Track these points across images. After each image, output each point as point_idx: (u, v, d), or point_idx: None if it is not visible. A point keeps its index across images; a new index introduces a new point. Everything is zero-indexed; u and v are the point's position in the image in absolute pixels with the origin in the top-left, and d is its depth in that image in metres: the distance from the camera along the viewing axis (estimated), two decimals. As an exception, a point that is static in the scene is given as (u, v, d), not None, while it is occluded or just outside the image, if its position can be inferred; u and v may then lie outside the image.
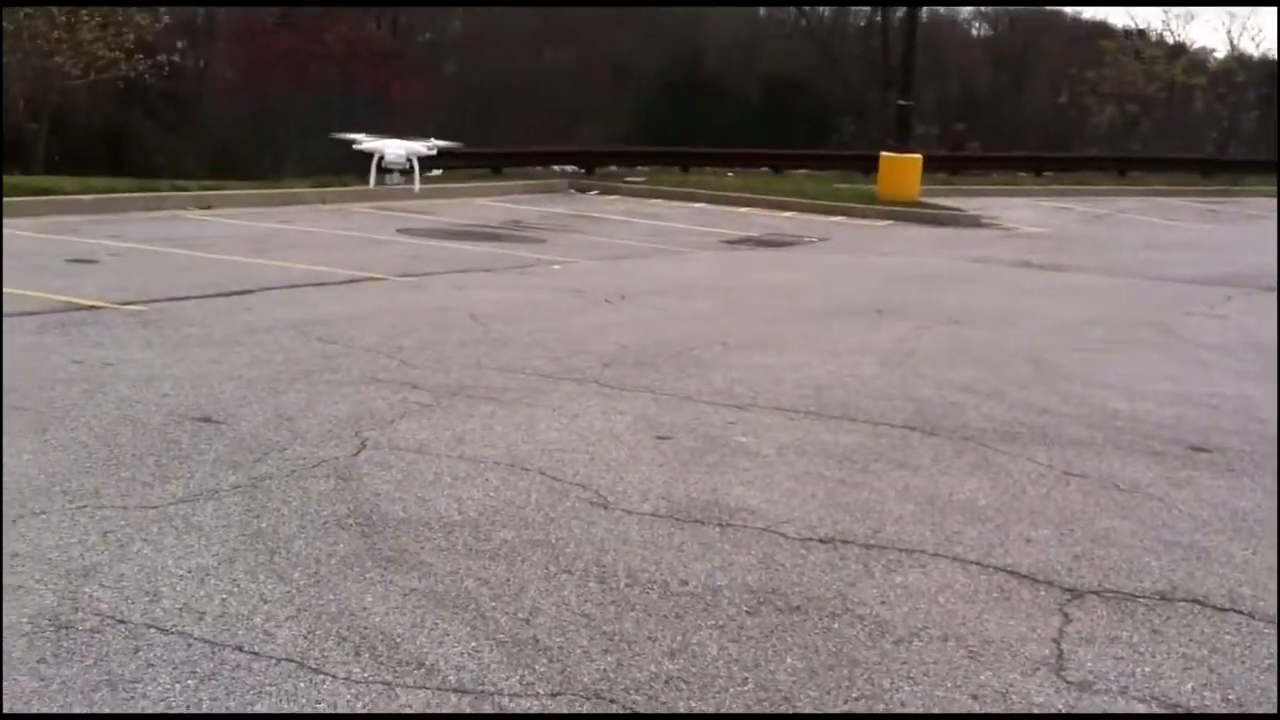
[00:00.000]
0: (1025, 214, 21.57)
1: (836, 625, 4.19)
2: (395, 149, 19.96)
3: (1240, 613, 4.43)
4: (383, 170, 19.88)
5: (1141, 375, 8.47)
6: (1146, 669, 3.95)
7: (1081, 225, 20.69)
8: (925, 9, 30.21)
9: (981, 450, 6.36)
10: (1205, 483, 5.94)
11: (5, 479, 5.14)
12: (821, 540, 4.97)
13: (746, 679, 3.79)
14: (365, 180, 19.69)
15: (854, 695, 3.70)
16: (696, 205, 20.74)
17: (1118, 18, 78.41)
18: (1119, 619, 4.32)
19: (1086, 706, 3.69)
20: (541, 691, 3.62)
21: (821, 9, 49.06)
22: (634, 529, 5.01)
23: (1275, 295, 13.08)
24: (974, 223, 20.08)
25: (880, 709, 3.63)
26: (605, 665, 3.82)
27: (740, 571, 4.62)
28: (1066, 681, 3.83)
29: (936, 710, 3.63)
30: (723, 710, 3.59)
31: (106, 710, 3.40)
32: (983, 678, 3.84)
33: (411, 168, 19.81)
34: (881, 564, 4.74)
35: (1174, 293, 12.86)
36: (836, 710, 3.62)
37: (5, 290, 9.26)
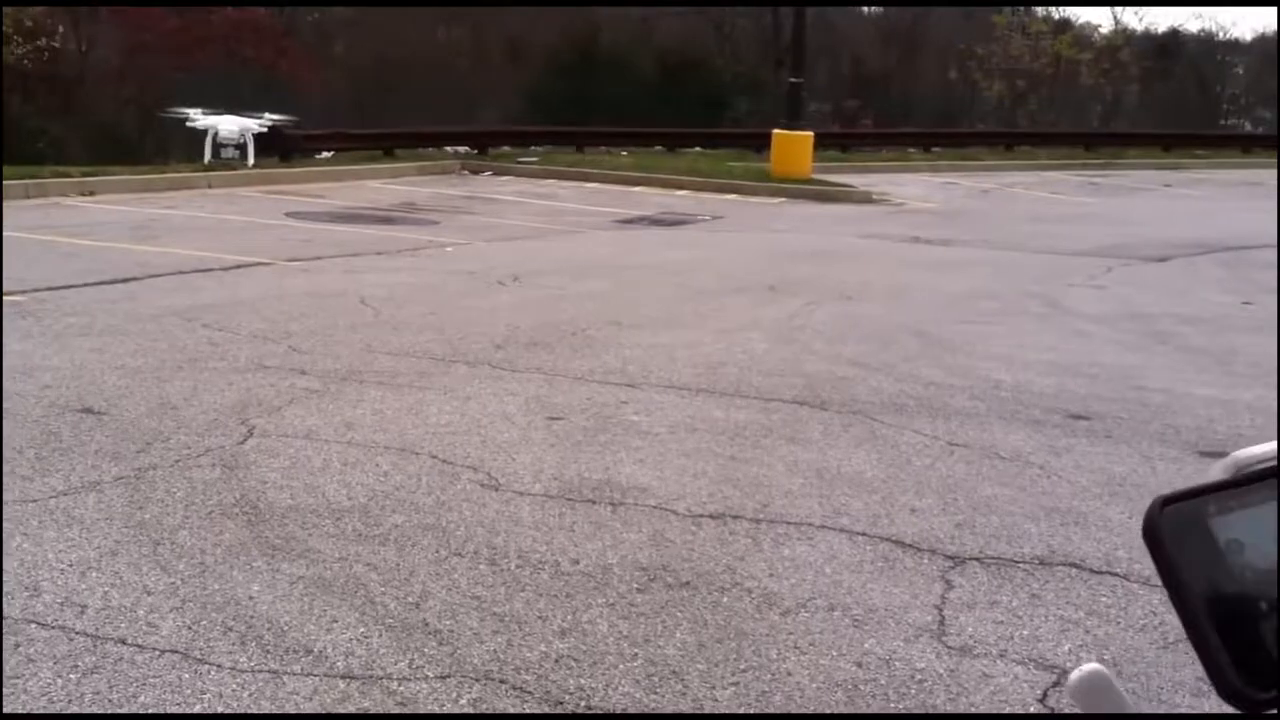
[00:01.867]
0: (915, 189, 21.88)
1: (725, 599, 4.24)
2: (229, 125, 20.01)
3: (1116, 575, 4.57)
4: (218, 146, 19.85)
5: (1024, 346, 8.66)
6: (1025, 632, 4.06)
7: (969, 200, 21.05)
8: (815, -13, 30.45)
9: (869, 423, 6.46)
10: (1084, 450, 6.10)
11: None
12: (712, 516, 5.02)
13: (636, 655, 3.83)
14: (200, 158, 19.74)
15: (741, 667, 3.76)
16: (590, 185, 20.72)
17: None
18: (999, 584, 4.43)
19: (966, 670, 3.79)
20: (430, 674, 3.63)
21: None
22: (525, 510, 5.02)
23: (1158, 265, 13.44)
24: (865, 199, 20.33)
25: (767, 679, 3.69)
26: (495, 646, 3.83)
27: (631, 549, 4.65)
28: (947, 647, 3.92)
29: (821, 679, 3.70)
30: (612, 686, 3.62)
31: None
32: (867, 645, 3.93)
33: (245, 143, 19.81)
34: (770, 537, 4.81)
35: (1057, 265, 13.15)
36: (725, 682, 3.67)
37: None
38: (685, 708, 3.52)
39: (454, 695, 3.52)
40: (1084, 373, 7.82)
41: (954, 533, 4.92)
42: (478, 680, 3.61)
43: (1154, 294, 11.38)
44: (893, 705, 3.59)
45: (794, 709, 3.54)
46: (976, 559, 4.66)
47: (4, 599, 3.97)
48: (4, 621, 3.81)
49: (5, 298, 8.95)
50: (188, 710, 3.39)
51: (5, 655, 3.60)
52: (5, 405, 6.11)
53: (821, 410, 6.70)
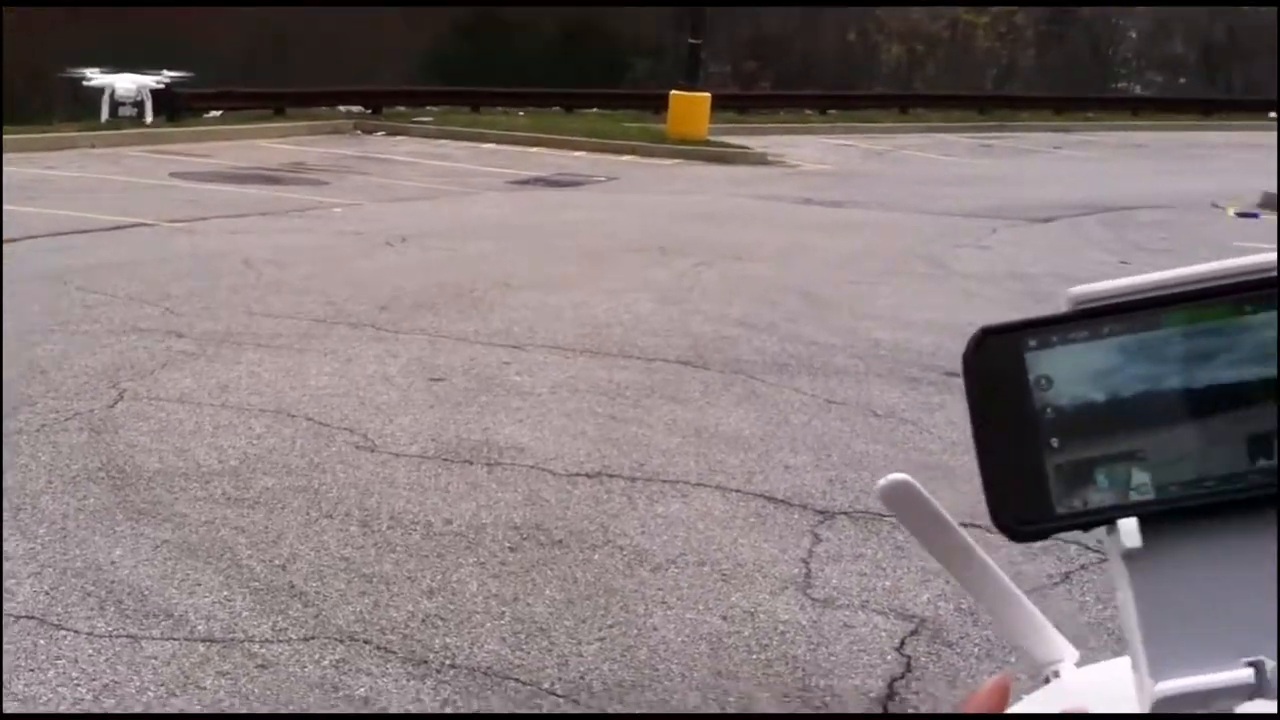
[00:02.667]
0: (810, 151, 22.02)
1: (597, 556, 4.27)
2: (125, 83, 19.61)
3: (978, 527, 4.64)
4: (115, 104, 19.44)
5: (907, 306, 8.78)
6: (887, 583, 4.14)
7: (863, 162, 21.24)
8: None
9: (750, 382, 6.52)
10: (956, 406, 6.21)
11: None
12: (588, 475, 5.04)
13: (504, 613, 3.84)
14: (97, 117, 19.32)
15: (609, 623, 3.79)
16: (486, 146, 20.54)
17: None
18: (865, 538, 4.51)
19: (828, 621, 3.86)
20: (294, 636, 3.61)
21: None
22: (400, 471, 5.00)
23: (1044, 225, 13.69)
24: (760, 160, 20.41)
25: (634, 634, 3.73)
26: (361, 607, 3.82)
27: (505, 509, 4.66)
28: (811, 599, 3.99)
29: (687, 632, 3.74)
30: (478, 644, 3.63)
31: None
32: (733, 599, 3.98)
33: (143, 101, 19.44)
34: (645, 495, 4.84)
35: (945, 226, 13.33)
36: (591, 638, 3.70)
37: None
38: (549, 664, 3.54)
39: (316, 657, 3.51)
40: (963, 331, 7.76)
41: (825, 488, 4.99)
42: (341, 641, 3.60)
43: (1037, 254, 11.59)
44: (755, 656, 3.64)
45: (659, 663, 3.58)
46: (845, 514, 4.73)
47: None
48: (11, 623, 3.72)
49: None
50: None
51: None
52: None
53: (704, 370, 6.74)
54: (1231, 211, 15.34)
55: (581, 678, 3.47)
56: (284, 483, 4.78)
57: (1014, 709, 0.63)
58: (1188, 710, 0.53)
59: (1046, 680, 0.69)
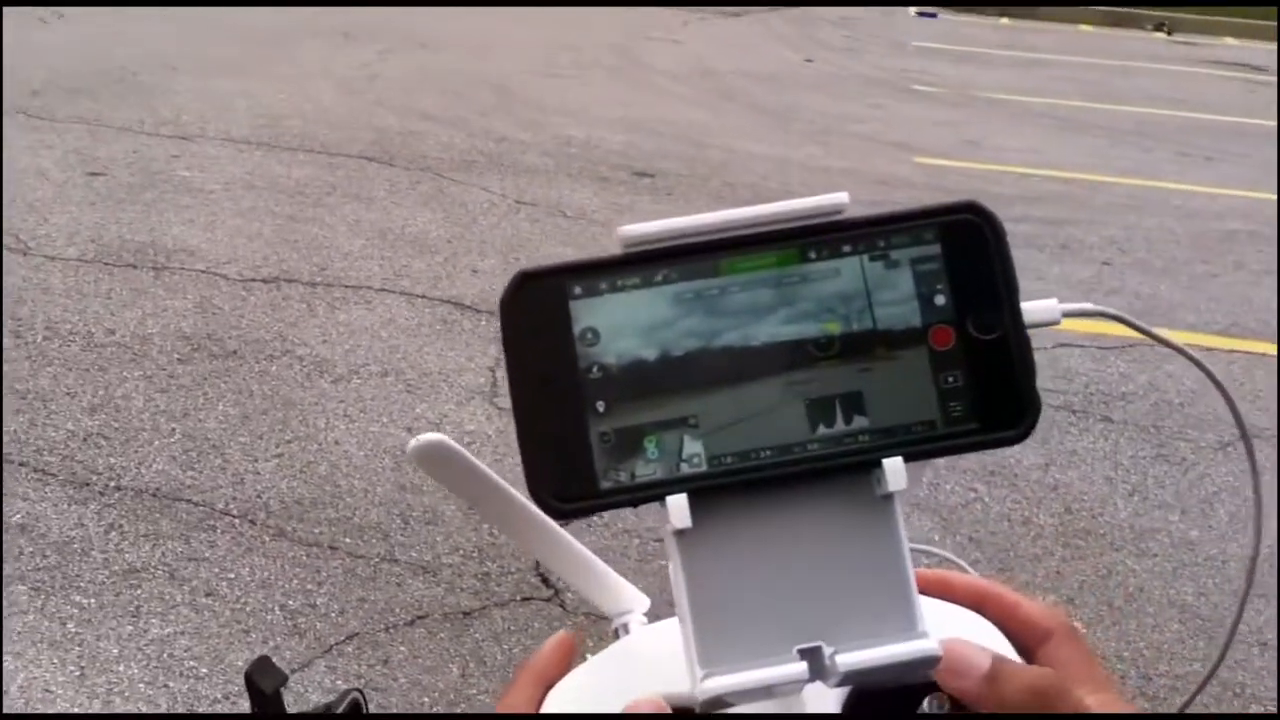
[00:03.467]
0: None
1: (274, 368, 4.10)
2: None
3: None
4: None
5: (599, 102, 8.70)
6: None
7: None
8: None
9: (437, 180, 6.34)
10: (645, 207, 6.24)
11: None
12: (265, 280, 4.81)
13: (174, 430, 3.65)
14: None
15: (287, 438, 3.66)
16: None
17: None
18: (552, 344, 4.50)
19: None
20: (-64, 462, 3.33)
21: None
22: (56, 276, 4.63)
23: (734, 19, 13.77)
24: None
25: (314, 449, 3.62)
26: (15, 427, 3.55)
27: (174, 318, 4.40)
28: (498, 408, 3.96)
29: (370, 445, 3.66)
30: (145, 464, 3.44)
31: None
32: (419, 410, 3.91)
33: None
34: (326, 302, 4.67)
35: (638, 16, 13.23)
36: (268, 454, 3.57)
37: None
38: (224, 483, 3.40)
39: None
40: (653, 129, 7.95)
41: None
42: (-9, 466, 3.34)
43: (726, 50, 11.67)
44: (439, 469, 3.60)
45: (340, 479, 3.49)
46: (533, 319, 4.70)
47: None
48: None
49: None
50: None
51: None
52: None
53: (389, 166, 6.51)
54: (913, 10, 15.85)
55: (258, 496, 3.36)
56: (-79, 290, 4.36)
57: (579, 668, 0.58)
58: (740, 704, 0.48)
59: (617, 634, 0.64)
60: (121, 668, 2.67)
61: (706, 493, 0.48)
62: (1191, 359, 0.61)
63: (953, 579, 0.58)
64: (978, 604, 0.56)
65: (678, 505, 0.48)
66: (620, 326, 0.48)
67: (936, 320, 0.50)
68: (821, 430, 0.49)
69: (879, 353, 0.49)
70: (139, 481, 3.37)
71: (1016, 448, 0.53)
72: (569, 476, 0.48)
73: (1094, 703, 0.50)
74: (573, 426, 0.48)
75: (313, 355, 4.20)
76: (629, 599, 0.65)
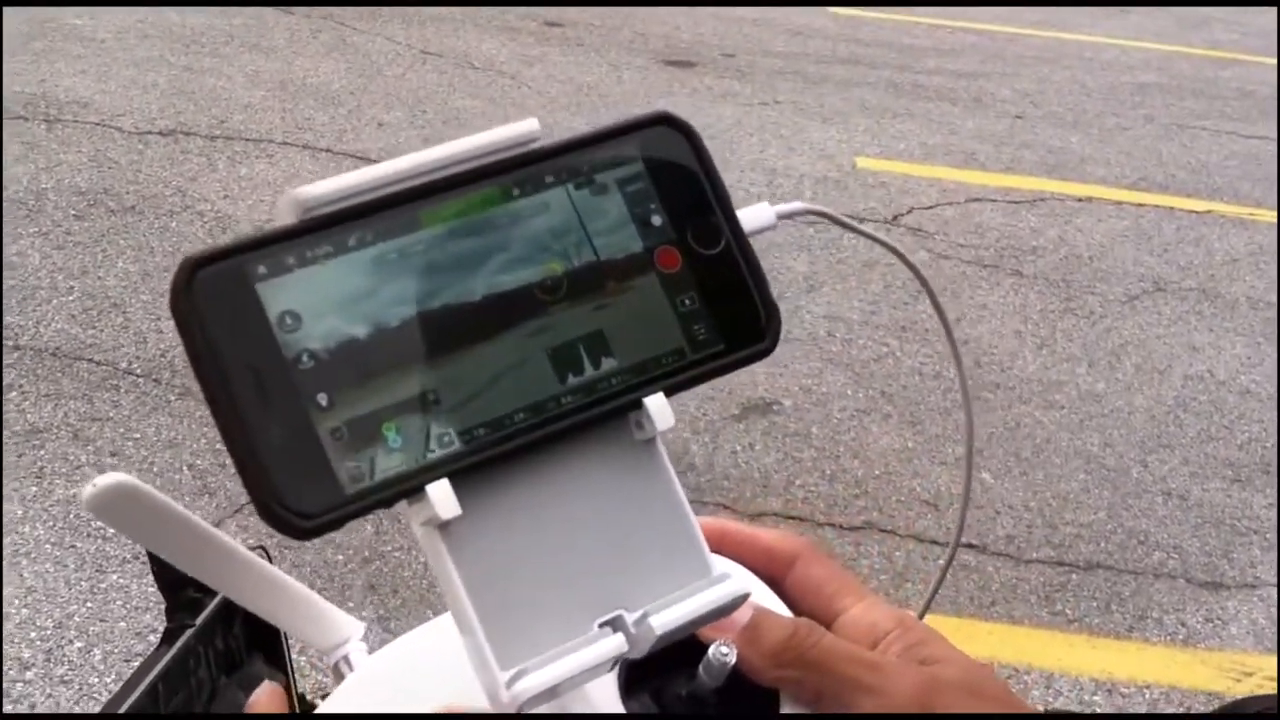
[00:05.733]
0: None
1: (174, 224, 3.98)
2: None
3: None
4: None
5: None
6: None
7: None
8: None
9: (340, 29, 6.13)
10: (555, 59, 6.10)
11: None
12: (162, 133, 4.65)
13: (72, 288, 3.54)
14: None
15: (191, 296, 3.57)
16: None
17: None
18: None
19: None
20: None
21: None
22: (-60, 129, 4.44)
23: None
24: None
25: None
26: (-98, 287, 3.42)
27: (69, 172, 4.24)
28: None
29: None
30: (44, 323, 3.34)
31: None
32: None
33: None
34: (226, 156, 4.53)
35: None
36: (166, 312, 3.47)
37: None
38: (126, 342, 3.31)
39: None
40: None
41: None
42: (-121, 327, 3.22)
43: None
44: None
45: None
46: (442, 173, 4.60)
47: None
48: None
49: None
50: None
51: None
52: None
53: (288, 14, 6.28)
54: None
55: (162, 355, 3.28)
56: None
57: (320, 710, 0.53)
58: (560, 696, 0.44)
59: (338, 669, 0.57)
60: (27, 529, 2.62)
61: (466, 473, 0.43)
62: (898, 253, 0.60)
63: None
64: (715, 544, 0.53)
65: (442, 493, 0.43)
66: (321, 305, 0.42)
67: (657, 242, 0.46)
68: (572, 380, 0.45)
69: (610, 286, 0.45)
70: (38, 341, 3.27)
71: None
72: (305, 488, 0.41)
73: (858, 610, 0.51)
74: (296, 429, 0.41)
75: (214, 211, 4.08)
76: (341, 626, 0.58)
